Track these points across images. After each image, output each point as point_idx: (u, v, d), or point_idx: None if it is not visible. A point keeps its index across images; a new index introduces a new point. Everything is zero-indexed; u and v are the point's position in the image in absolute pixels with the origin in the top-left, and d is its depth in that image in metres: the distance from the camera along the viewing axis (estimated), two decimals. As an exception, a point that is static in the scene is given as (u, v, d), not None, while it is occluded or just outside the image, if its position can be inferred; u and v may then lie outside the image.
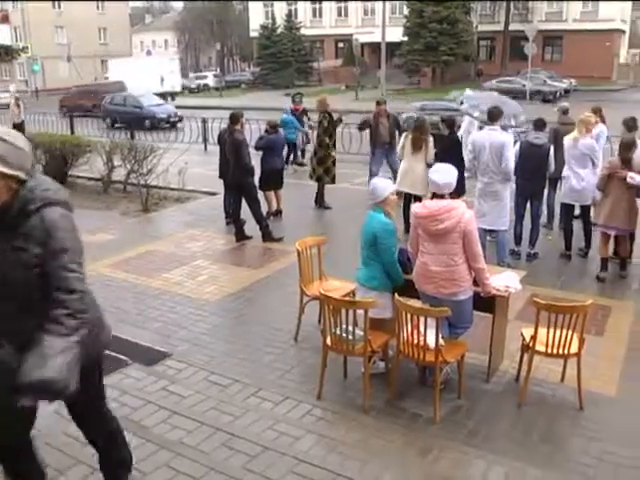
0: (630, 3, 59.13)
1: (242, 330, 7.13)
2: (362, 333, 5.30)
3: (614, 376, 6.13)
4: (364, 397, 5.45)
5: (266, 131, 11.80)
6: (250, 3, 68.98)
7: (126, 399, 5.63)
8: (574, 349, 5.43)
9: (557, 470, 4.73)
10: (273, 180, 11.57)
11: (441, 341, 5.16)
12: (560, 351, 5.41)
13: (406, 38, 51.06)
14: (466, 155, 9.19)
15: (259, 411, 5.44)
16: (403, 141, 10.84)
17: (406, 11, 52.17)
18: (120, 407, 5.40)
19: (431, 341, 5.13)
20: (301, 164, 16.97)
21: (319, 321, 6.50)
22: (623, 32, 60.78)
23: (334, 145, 12.54)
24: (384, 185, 5.75)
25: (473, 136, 8.84)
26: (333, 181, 12.59)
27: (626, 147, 8.35)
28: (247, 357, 6.43)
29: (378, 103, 13.55)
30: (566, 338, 5.33)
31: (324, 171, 12.35)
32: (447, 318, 5.28)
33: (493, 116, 8.80)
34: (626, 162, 8.27)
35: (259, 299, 8.03)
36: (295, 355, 6.51)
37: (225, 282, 8.57)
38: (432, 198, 5.78)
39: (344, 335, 5.33)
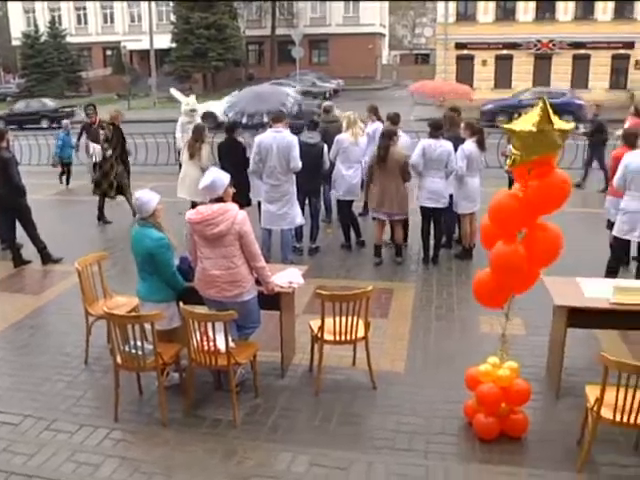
0: (387, 9, 63.51)
1: (28, 361, 6.69)
2: (151, 347, 5.22)
3: (401, 353, 6.60)
4: (161, 411, 5.38)
5: None
6: (10, 7, 64.20)
7: None
8: (361, 334, 5.76)
9: (359, 448, 5.02)
10: None
11: (231, 344, 5.23)
12: (348, 337, 5.70)
13: (175, 44, 50.58)
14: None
15: (54, 444, 5.16)
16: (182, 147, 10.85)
17: (173, 17, 51.69)
18: None
19: (221, 345, 5.17)
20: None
21: (108, 341, 6.29)
22: (383, 35, 65.13)
23: (121, 157, 12.08)
24: (149, 198, 5.64)
25: (259, 138, 8.88)
26: (119, 193, 12.27)
27: (387, 136, 8.97)
28: (36, 389, 6.06)
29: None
30: (352, 324, 5.63)
31: (108, 185, 11.93)
32: (235, 320, 5.35)
33: (277, 118, 8.95)
34: (382, 150, 8.87)
35: (44, 326, 7.62)
36: (87, 379, 6.26)
37: (6, 312, 7.98)
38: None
39: (133, 351, 5.21)
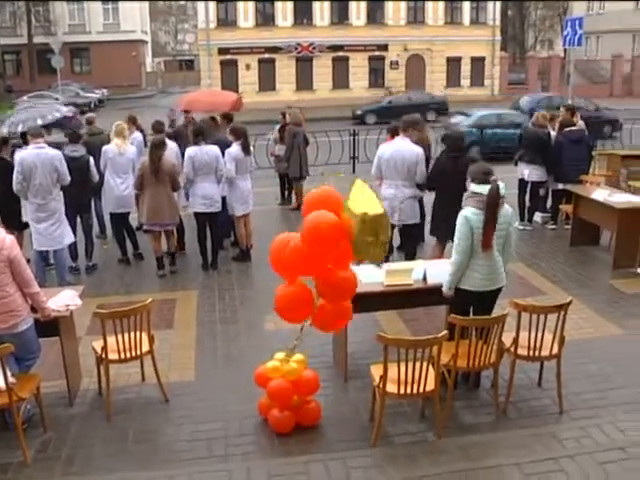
0: (147, 15, 62.53)
1: None
2: None
3: (190, 362, 6.63)
4: None
5: None
6: None
7: None
8: (146, 348, 5.70)
9: (159, 465, 4.95)
10: None
11: (11, 379, 4.91)
12: (133, 354, 5.62)
13: None
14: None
15: None
16: None
17: None
18: None
19: (0, 382, 4.85)
20: None
21: None
22: (146, 42, 64.22)
23: None
24: None
25: (21, 155, 8.37)
26: None
27: (158, 146, 8.89)
28: None
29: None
30: (135, 340, 5.56)
31: None
32: (12, 353, 5.01)
33: (36, 134, 8.52)
34: (156, 159, 8.79)
35: None
36: None
37: None
38: None
39: None
